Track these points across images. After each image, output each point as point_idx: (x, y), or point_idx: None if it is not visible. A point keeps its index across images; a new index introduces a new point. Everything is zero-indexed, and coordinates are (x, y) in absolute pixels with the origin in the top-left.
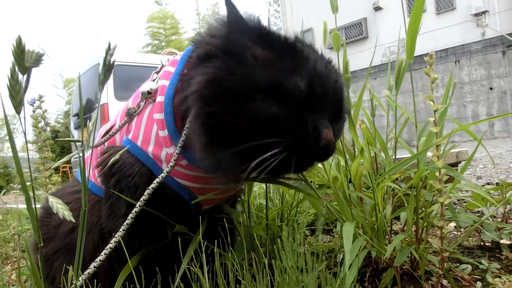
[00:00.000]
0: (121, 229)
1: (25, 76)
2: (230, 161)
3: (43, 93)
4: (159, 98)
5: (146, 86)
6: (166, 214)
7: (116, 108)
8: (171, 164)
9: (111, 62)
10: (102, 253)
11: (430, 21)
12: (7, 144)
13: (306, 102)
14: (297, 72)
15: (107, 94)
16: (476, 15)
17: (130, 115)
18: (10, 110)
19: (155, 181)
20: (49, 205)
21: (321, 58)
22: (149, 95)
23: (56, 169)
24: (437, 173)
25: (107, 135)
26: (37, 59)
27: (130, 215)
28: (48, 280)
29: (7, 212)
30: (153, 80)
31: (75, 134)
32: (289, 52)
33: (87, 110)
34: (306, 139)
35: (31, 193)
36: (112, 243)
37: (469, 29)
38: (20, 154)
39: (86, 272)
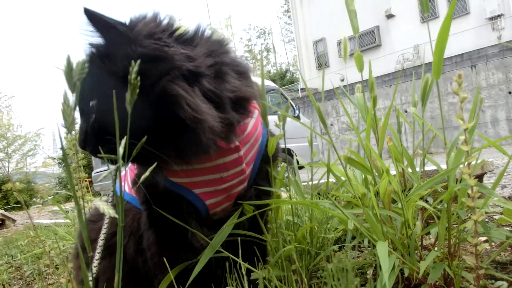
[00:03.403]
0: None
1: (75, 94)
2: None
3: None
4: None
5: None
6: (181, 219)
7: None
8: None
9: None
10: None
11: None
12: (29, 160)
13: None
14: None
15: None
16: (491, 18)
17: None
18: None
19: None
20: (92, 215)
21: None
22: None
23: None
24: (469, 191)
25: None
26: (83, 68)
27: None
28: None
29: (34, 228)
30: None
31: None
32: None
33: None
34: None
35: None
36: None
37: (485, 33)
38: (40, 170)
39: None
